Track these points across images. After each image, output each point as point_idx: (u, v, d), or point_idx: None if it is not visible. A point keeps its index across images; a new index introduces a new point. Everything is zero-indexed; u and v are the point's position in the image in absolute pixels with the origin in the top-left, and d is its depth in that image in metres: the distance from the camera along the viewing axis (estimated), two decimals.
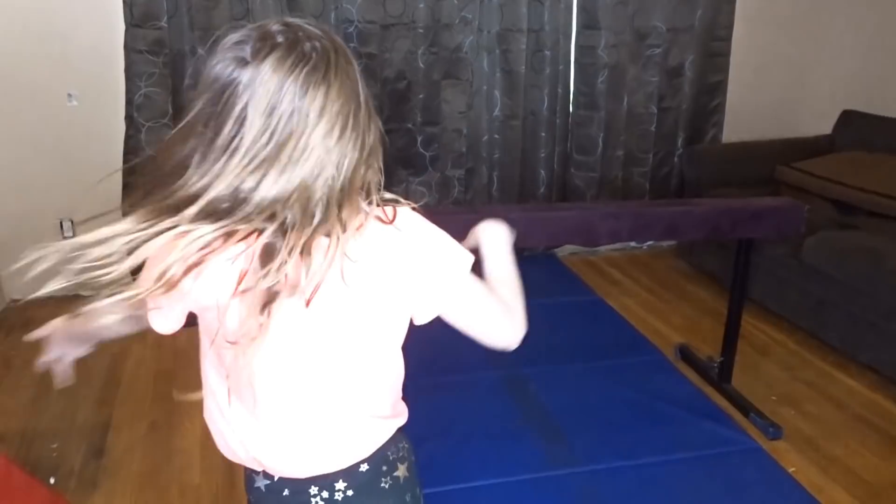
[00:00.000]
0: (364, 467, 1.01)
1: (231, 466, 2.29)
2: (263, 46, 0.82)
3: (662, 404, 2.54)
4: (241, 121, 0.80)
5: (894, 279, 2.70)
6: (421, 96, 3.60)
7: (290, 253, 0.82)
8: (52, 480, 2.21)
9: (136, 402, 2.65)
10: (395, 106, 3.59)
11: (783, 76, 4.14)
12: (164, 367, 2.90)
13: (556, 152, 3.85)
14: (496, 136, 3.74)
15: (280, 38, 0.83)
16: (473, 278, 0.97)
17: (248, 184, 0.81)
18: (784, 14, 4.03)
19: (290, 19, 0.87)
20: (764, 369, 2.91)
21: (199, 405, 2.70)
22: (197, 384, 2.89)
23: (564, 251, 4.11)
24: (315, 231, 0.83)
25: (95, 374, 2.83)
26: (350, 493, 1.01)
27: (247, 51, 0.82)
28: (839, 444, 2.44)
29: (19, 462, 2.22)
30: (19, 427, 2.48)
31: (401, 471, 1.05)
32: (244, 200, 0.81)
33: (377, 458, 1.02)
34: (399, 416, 1.06)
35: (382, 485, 1.03)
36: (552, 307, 3.32)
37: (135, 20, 3.14)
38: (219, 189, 0.81)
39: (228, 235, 0.83)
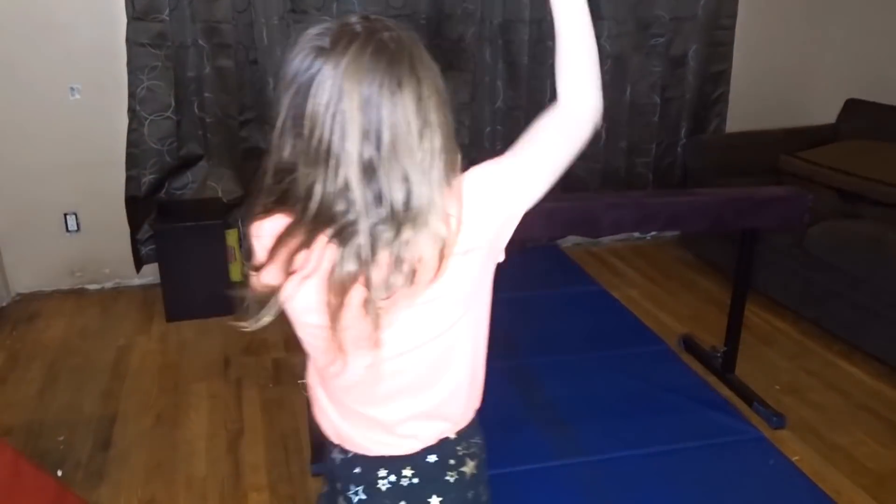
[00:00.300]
0: (432, 458, 1.03)
1: (236, 458, 2.31)
2: (342, 36, 0.83)
3: (666, 394, 2.54)
4: (334, 115, 0.81)
5: None
6: None
7: (402, 250, 0.83)
8: (59, 473, 2.22)
9: (142, 394, 2.67)
10: None
11: (787, 65, 4.12)
12: (170, 360, 2.91)
13: None
14: (499, 127, 3.73)
15: (358, 27, 0.84)
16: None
17: (357, 184, 0.82)
18: (787, 2, 4.01)
19: (367, 14, 0.88)
20: (767, 359, 2.92)
21: (203, 397, 2.71)
22: (201, 376, 2.91)
23: (568, 242, 4.10)
24: (423, 224, 0.83)
25: (101, 367, 2.85)
26: (415, 480, 1.03)
27: (325, 40, 0.83)
28: (843, 432, 2.44)
29: (27, 454, 2.23)
30: (26, 420, 2.50)
31: (468, 467, 1.06)
32: (352, 201, 0.82)
33: (446, 451, 1.04)
34: (473, 410, 1.08)
35: (447, 478, 1.04)
36: (556, 298, 3.32)
37: (136, 13, 3.14)
38: (328, 190, 0.82)
39: (340, 236, 0.83)
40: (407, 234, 0.83)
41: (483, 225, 0.91)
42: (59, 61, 3.19)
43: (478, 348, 1.03)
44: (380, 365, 0.94)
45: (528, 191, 0.97)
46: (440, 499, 1.03)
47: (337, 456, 1.08)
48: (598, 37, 3.63)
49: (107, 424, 2.48)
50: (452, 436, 1.05)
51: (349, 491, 1.05)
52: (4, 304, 3.36)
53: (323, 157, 0.82)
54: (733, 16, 3.88)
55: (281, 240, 0.86)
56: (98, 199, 3.42)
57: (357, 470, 1.05)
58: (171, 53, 3.24)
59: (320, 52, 0.83)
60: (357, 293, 0.86)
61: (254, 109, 3.42)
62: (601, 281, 3.61)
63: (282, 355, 2.95)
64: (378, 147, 0.82)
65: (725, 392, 2.64)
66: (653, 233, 4.18)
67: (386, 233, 0.83)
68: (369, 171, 0.82)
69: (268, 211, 0.89)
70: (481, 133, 3.71)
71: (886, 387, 2.71)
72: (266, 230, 0.90)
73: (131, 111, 3.29)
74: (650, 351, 2.88)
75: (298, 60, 0.84)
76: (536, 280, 3.43)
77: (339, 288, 0.85)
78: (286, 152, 0.85)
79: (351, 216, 0.83)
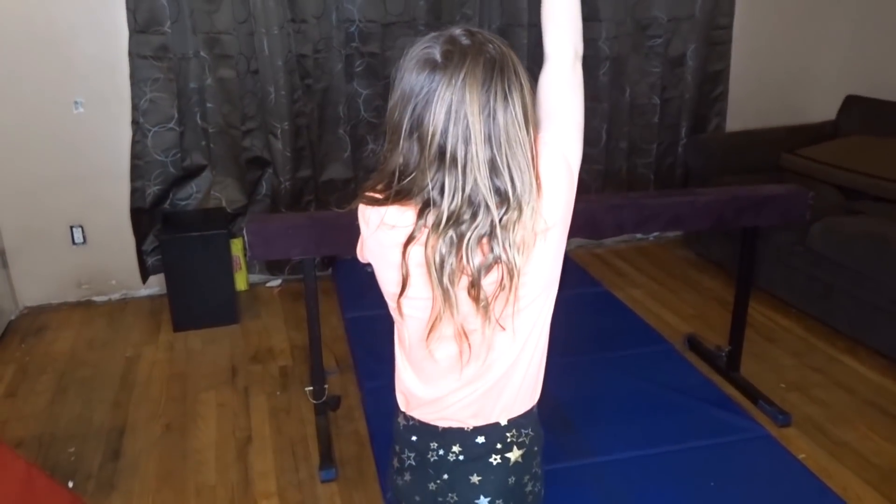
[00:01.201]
0: (480, 439, 1.10)
1: (245, 465, 2.32)
2: (453, 51, 0.92)
3: (672, 394, 2.54)
4: (457, 124, 0.91)
5: None
6: None
7: (514, 234, 0.94)
8: (70, 484, 2.24)
9: (151, 404, 2.69)
10: None
11: (785, 63, 4.13)
12: (177, 370, 2.93)
13: None
14: None
15: (466, 41, 0.93)
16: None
17: (483, 182, 0.92)
18: (784, 0, 4.02)
19: (469, 28, 0.97)
20: (772, 356, 2.92)
21: (211, 405, 2.73)
22: (209, 385, 2.93)
23: (570, 244, 4.09)
24: (527, 206, 0.94)
25: (110, 378, 2.87)
26: (461, 458, 1.11)
27: (436, 55, 0.92)
28: (848, 429, 2.45)
29: (38, 466, 2.25)
30: (37, 432, 2.52)
31: (514, 454, 1.12)
32: (480, 198, 0.93)
33: (495, 435, 1.10)
34: (531, 399, 1.13)
35: (491, 460, 1.11)
36: (560, 300, 3.30)
37: (138, 26, 3.17)
38: (457, 188, 0.92)
39: (467, 226, 0.94)
40: (515, 216, 0.93)
41: (558, 201, 1.01)
42: (63, 75, 3.22)
43: (542, 337, 1.10)
44: (460, 360, 1.03)
45: (576, 155, 1.06)
46: (479, 478, 1.11)
47: (401, 422, 1.17)
48: (597, 39, 3.71)
49: (116, 435, 2.50)
50: (504, 422, 1.10)
51: (404, 454, 1.17)
52: (13, 317, 3.39)
53: (450, 161, 0.92)
54: (730, 15, 3.90)
55: (414, 232, 0.96)
56: (103, 211, 3.44)
57: (413, 438, 1.14)
58: (173, 65, 3.27)
59: (434, 67, 0.92)
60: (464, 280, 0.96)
61: (256, 119, 3.45)
62: (605, 282, 3.62)
63: (288, 363, 2.97)
64: (498, 148, 0.93)
65: (731, 391, 2.65)
66: (655, 233, 4.19)
67: (504, 220, 0.93)
68: (492, 169, 0.93)
69: (378, 202, 0.99)
70: None
71: (891, 382, 2.72)
72: (372, 218, 1.02)
73: (135, 123, 3.32)
74: (655, 351, 2.88)
75: (413, 76, 0.93)
76: None
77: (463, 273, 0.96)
78: (403, 158, 0.96)
79: (479, 210, 0.93)
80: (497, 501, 1.12)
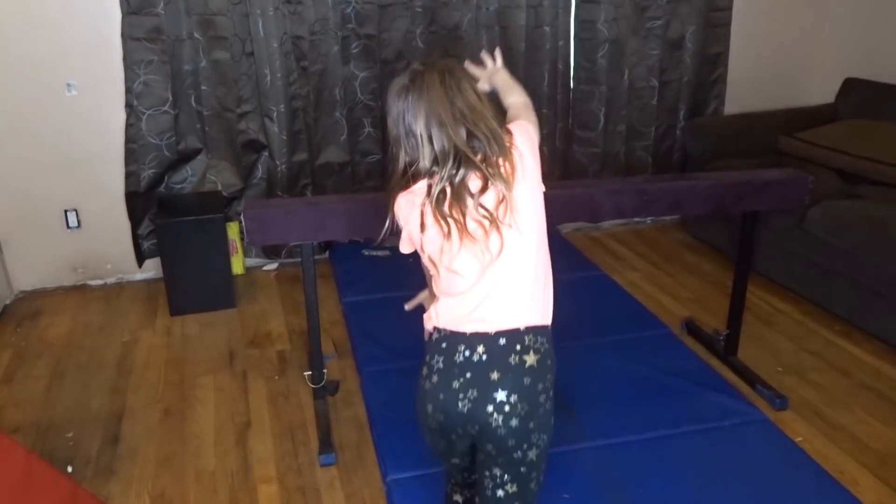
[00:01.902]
0: (502, 341, 1.34)
1: (244, 450, 2.33)
2: (416, 75, 1.36)
3: (669, 378, 2.55)
4: (429, 118, 1.32)
5: None
6: None
7: (496, 168, 1.33)
8: (69, 469, 2.24)
9: (149, 389, 2.68)
10: None
11: (784, 45, 4.10)
12: (175, 355, 2.92)
13: (558, 129, 3.83)
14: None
15: (421, 67, 1.37)
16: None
17: (453, 149, 1.32)
18: None
19: (424, 61, 1.42)
20: (770, 340, 2.93)
21: (209, 390, 2.74)
22: (206, 369, 2.93)
23: (568, 227, 4.11)
24: (502, 145, 1.36)
25: (107, 363, 2.86)
26: (484, 357, 1.33)
27: (406, 82, 1.36)
28: (845, 412, 2.46)
29: (36, 452, 2.25)
30: (34, 417, 2.52)
31: (531, 358, 1.35)
32: (455, 158, 1.31)
33: (515, 338, 1.34)
34: (546, 309, 1.40)
35: (510, 360, 1.33)
36: (557, 284, 3.32)
37: (131, 8, 3.12)
38: (444, 160, 1.32)
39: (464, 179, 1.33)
40: (496, 152, 1.33)
41: (525, 141, 1.40)
42: (55, 58, 3.18)
43: (542, 262, 1.40)
44: (482, 268, 1.33)
45: (535, 131, 1.49)
46: (499, 374, 1.32)
47: (433, 336, 1.40)
48: (595, 21, 3.68)
49: (115, 420, 2.50)
50: (522, 327, 1.35)
51: (433, 360, 1.38)
52: (7, 301, 3.37)
53: (437, 141, 1.32)
54: None
55: (429, 200, 1.34)
56: (98, 195, 3.41)
57: (444, 345, 1.37)
58: (167, 47, 3.23)
59: (408, 90, 1.35)
60: (471, 216, 1.32)
61: (251, 102, 3.41)
62: (602, 265, 3.62)
63: (286, 347, 2.96)
64: (465, 120, 1.33)
65: (728, 375, 2.66)
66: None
67: (488, 157, 1.33)
68: (468, 134, 1.33)
69: (400, 190, 1.37)
70: None
71: (888, 366, 2.73)
72: (401, 203, 1.38)
73: (128, 106, 3.28)
74: (653, 335, 2.89)
75: (397, 101, 1.36)
76: None
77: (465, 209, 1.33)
78: (408, 156, 1.35)
79: (461, 161, 1.31)
80: (513, 396, 1.32)
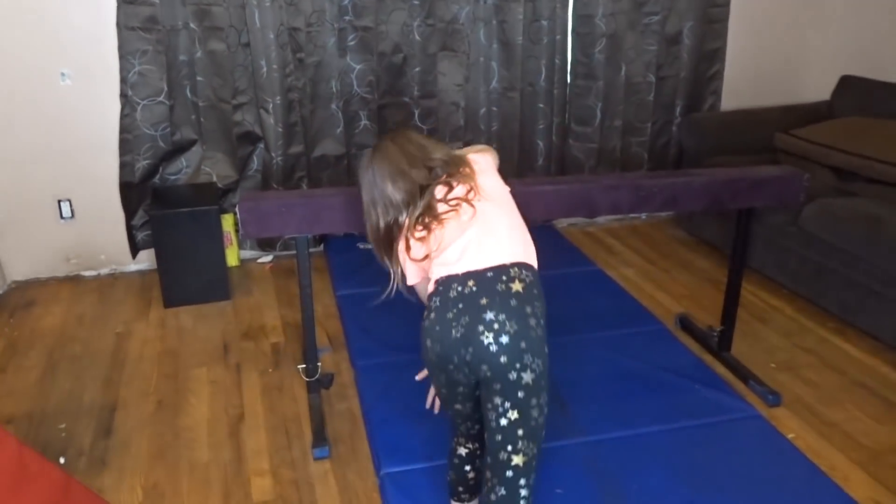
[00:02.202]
0: (490, 274, 1.50)
1: (238, 443, 2.32)
2: (374, 149, 1.68)
3: (663, 374, 2.56)
4: (393, 173, 1.61)
5: (893, 245, 2.71)
6: (417, 69, 3.57)
7: (459, 179, 1.60)
8: (61, 461, 2.24)
9: (142, 381, 2.68)
10: (392, 80, 3.56)
11: (781, 42, 4.10)
12: (169, 346, 2.91)
13: (555, 123, 3.82)
14: (494, 108, 3.72)
15: (377, 141, 1.74)
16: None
17: (414, 185, 1.60)
18: None
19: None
20: (763, 337, 2.94)
21: (203, 382, 2.73)
22: (200, 362, 2.91)
23: (563, 222, 4.11)
24: (464, 164, 1.64)
25: (100, 354, 2.85)
26: (474, 289, 1.48)
27: (369, 156, 1.68)
28: (838, 409, 2.47)
29: (29, 443, 2.24)
30: (27, 409, 2.51)
31: (516, 285, 1.49)
32: (421, 190, 1.58)
33: (501, 271, 1.50)
34: (526, 251, 1.58)
35: (497, 287, 1.48)
36: (552, 278, 3.28)
37: None
38: (411, 192, 1.59)
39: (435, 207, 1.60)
40: (457, 170, 1.60)
41: (479, 160, 1.68)
42: (49, 46, 3.15)
43: (517, 222, 1.63)
44: (461, 229, 1.55)
45: (489, 158, 1.76)
46: (487, 300, 1.47)
47: (434, 289, 1.56)
48: (593, 16, 3.67)
49: (108, 412, 2.49)
50: (508, 263, 1.51)
51: (432, 302, 1.54)
52: (0, 291, 3.36)
53: (408, 193, 1.59)
54: None
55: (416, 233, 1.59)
56: (92, 185, 3.39)
57: (440, 288, 1.53)
58: (162, 37, 3.21)
59: (371, 162, 1.65)
60: (443, 208, 1.57)
61: (247, 93, 3.39)
62: (597, 261, 3.62)
63: (280, 340, 2.96)
64: (422, 159, 1.62)
65: (722, 371, 2.67)
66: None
67: (449, 176, 1.60)
68: (429, 170, 1.60)
69: (389, 245, 1.63)
70: (476, 114, 3.69)
71: (880, 363, 2.74)
72: (400, 248, 1.62)
73: (123, 96, 3.26)
74: (647, 331, 2.89)
75: (366, 174, 1.65)
76: None
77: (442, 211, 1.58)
78: (385, 218, 1.61)
79: (426, 190, 1.58)
80: (501, 315, 1.45)
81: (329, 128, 3.56)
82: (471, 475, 1.77)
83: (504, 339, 1.44)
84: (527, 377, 1.46)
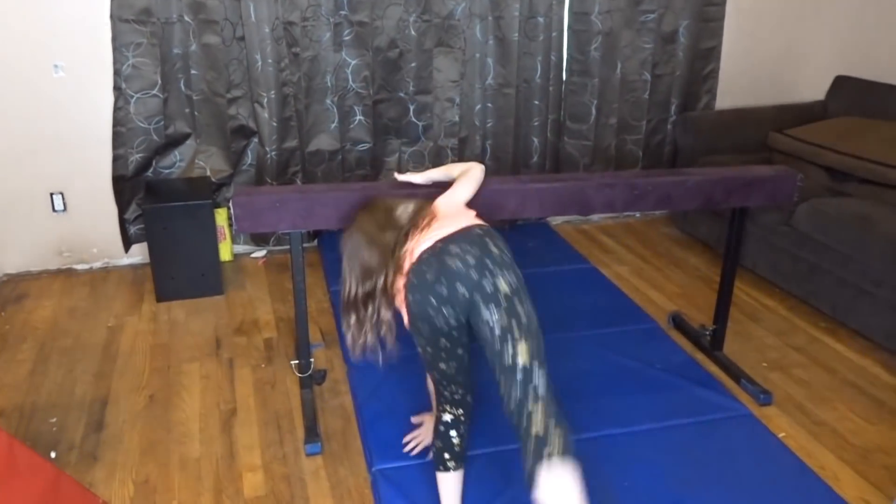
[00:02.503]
0: (454, 234, 1.70)
1: (230, 438, 2.31)
2: (353, 218, 1.90)
3: (655, 372, 2.57)
4: (369, 241, 1.79)
5: (885, 246, 2.72)
6: (413, 65, 3.56)
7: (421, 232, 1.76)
8: (52, 455, 2.23)
9: (134, 375, 2.67)
10: (387, 75, 3.55)
11: (777, 41, 4.11)
12: (161, 341, 2.91)
13: (550, 120, 3.82)
14: (489, 104, 3.71)
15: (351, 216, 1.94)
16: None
17: (386, 247, 1.77)
18: None
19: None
20: (755, 336, 2.95)
21: (195, 377, 2.73)
22: (193, 356, 2.90)
23: (557, 219, 4.11)
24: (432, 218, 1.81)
25: (92, 348, 2.84)
26: (441, 245, 1.68)
27: (347, 231, 1.87)
28: (828, 408, 2.49)
29: (19, 437, 2.24)
30: (18, 402, 2.50)
31: (478, 230, 1.72)
32: (393, 247, 1.76)
33: (463, 229, 1.72)
34: (475, 217, 1.82)
35: (459, 234, 1.70)
36: (545, 276, 3.33)
37: None
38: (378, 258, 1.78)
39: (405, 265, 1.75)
40: (424, 223, 1.78)
41: (443, 208, 1.85)
42: (42, 38, 3.13)
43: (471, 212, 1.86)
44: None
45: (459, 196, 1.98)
46: (452, 242, 1.66)
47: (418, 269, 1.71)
48: (589, 13, 3.67)
49: (99, 406, 2.48)
50: (467, 225, 1.73)
51: (410, 274, 1.70)
52: None
53: (383, 252, 1.75)
54: None
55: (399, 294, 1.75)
56: (85, 178, 3.38)
57: (424, 256, 1.69)
58: (157, 30, 3.19)
59: (348, 234, 1.83)
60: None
61: (241, 87, 3.38)
62: (591, 258, 3.63)
63: (273, 335, 2.95)
64: (389, 220, 1.81)
65: (714, 369, 2.68)
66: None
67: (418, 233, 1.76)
68: (397, 229, 1.78)
69: (389, 296, 1.76)
70: (471, 110, 3.69)
71: (871, 363, 2.76)
72: (397, 302, 1.76)
73: (117, 89, 3.25)
74: (640, 329, 2.90)
75: (346, 244, 1.82)
76: (526, 258, 3.38)
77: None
78: (361, 284, 1.76)
79: (409, 259, 1.72)
80: (463, 245, 1.65)
81: (324, 123, 3.55)
82: (455, 441, 1.82)
83: (470, 260, 1.62)
84: (503, 286, 1.60)
